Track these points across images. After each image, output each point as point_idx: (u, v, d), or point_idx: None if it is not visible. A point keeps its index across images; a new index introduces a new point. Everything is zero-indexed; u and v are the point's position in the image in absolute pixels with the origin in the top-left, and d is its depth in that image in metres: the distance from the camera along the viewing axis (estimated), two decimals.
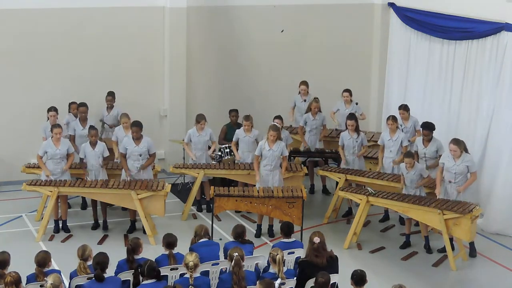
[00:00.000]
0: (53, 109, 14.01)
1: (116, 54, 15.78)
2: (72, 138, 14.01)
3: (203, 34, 16.30)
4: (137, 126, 13.10)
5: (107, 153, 13.18)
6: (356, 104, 15.35)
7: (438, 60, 15.28)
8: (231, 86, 16.69)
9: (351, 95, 15.40)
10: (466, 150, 12.27)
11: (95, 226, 13.31)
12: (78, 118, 14.19)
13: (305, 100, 15.50)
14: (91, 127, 13.27)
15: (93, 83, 15.50)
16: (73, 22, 15.41)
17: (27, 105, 15.25)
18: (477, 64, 14.28)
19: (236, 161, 14.19)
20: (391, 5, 16.74)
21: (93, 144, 13.00)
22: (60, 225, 13.11)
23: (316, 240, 9.26)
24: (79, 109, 14.15)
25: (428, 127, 13.10)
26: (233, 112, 15.16)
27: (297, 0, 16.74)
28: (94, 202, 13.26)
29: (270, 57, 16.77)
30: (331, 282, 9.15)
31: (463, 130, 14.37)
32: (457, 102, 14.75)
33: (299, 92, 15.66)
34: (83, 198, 14.18)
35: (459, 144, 12.15)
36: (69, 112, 14.64)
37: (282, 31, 16.74)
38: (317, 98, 15.06)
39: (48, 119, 14.01)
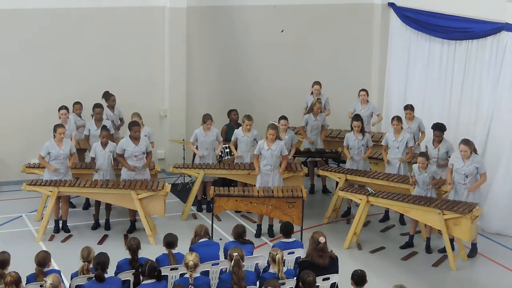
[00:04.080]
0: (63, 107, 14.00)
1: (116, 54, 15.77)
2: (86, 138, 14.09)
3: (203, 34, 16.29)
4: (137, 126, 13.13)
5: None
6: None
7: (438, 60, 15.28)
8: (231, 86, 16.68)
9: (367, 94, 15.35)
10: (475, 151, 12.24)
11: (95, 226, 13.31)
12: (93, 119, 14.18)
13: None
14: (103, 128, 13.28)
15: (92, 83, 15.46)
16: (73, 22, 15.40)
17: (27, 105, 15.24)
18: (477, 64, 14.29)
19: (235, 161, 14.19)
20: (391, 5, 16.74)
21: (104, 144, 13.02)
22: (60, 225, 13.11)
23: (322, 240, 9.23)
24: (94, 110, 14.14)
25: (440, 128, 13.03)
26: (233, 112, 15.17)
27: (297, 0, 16.74)
28: (97, 202, 13.26)
29: (270, 57, 16.75)
30: (331, 282, 9.17)
31: (463, 130, 14.36)
32: (457, 102, 14.76)
33: (312, 93, 15.55)
34: (86, 199, 14.18)
35: (469, 145, 12.09)
36: (72, 111, 14.60)
37: (282, 31, 16.73)
38: (319, 99, 15.04)
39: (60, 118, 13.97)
